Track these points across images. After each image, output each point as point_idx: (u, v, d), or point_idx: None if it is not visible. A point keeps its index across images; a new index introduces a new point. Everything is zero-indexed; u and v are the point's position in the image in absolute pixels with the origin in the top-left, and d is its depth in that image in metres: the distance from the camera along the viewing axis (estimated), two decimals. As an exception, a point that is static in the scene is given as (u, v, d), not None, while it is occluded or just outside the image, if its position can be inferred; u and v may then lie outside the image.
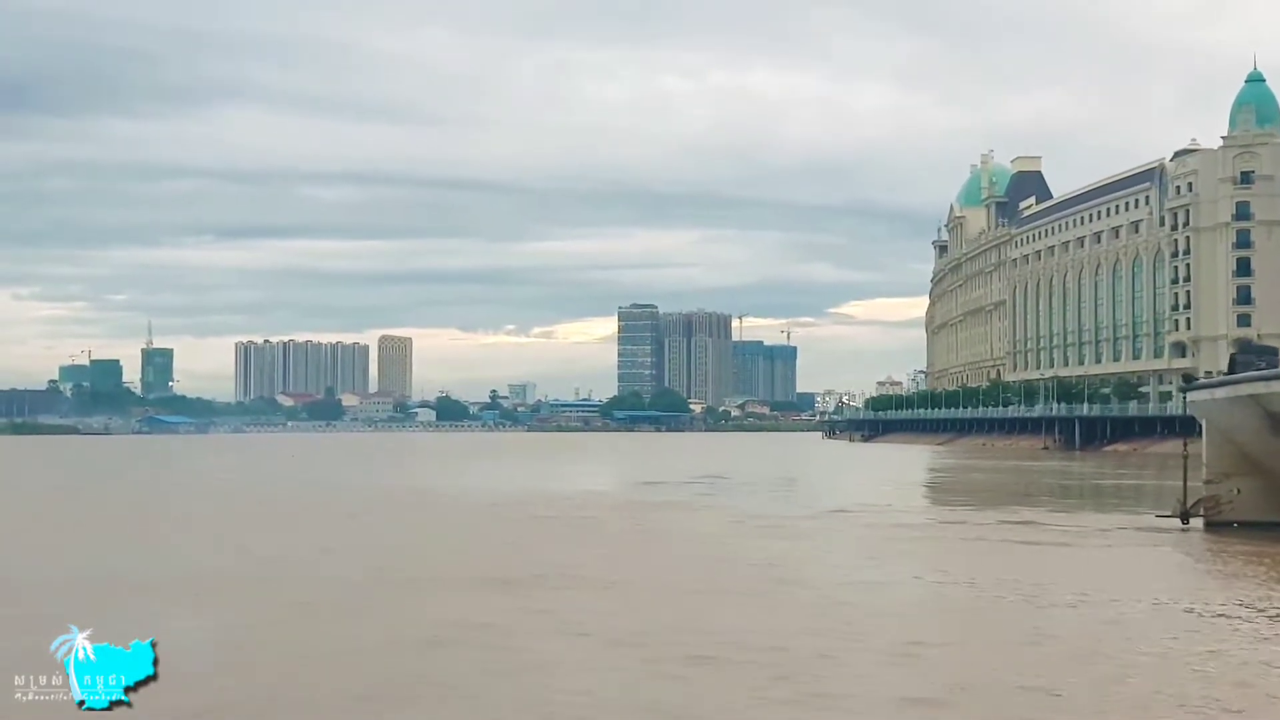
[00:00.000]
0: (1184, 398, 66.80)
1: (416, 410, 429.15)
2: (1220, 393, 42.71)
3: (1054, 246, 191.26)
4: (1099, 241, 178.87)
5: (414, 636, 21.76)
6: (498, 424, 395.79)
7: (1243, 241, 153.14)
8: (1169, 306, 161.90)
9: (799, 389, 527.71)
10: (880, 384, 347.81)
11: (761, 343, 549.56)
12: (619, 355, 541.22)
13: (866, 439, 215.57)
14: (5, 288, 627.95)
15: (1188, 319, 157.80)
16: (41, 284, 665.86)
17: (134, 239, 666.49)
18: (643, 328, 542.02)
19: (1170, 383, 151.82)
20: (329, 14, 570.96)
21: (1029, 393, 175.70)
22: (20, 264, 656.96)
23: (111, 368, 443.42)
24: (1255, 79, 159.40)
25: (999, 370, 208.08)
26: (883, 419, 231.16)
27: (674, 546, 37.70)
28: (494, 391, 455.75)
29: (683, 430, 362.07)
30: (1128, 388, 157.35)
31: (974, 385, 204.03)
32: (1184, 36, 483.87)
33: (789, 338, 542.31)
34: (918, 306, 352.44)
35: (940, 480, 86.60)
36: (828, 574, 30.84)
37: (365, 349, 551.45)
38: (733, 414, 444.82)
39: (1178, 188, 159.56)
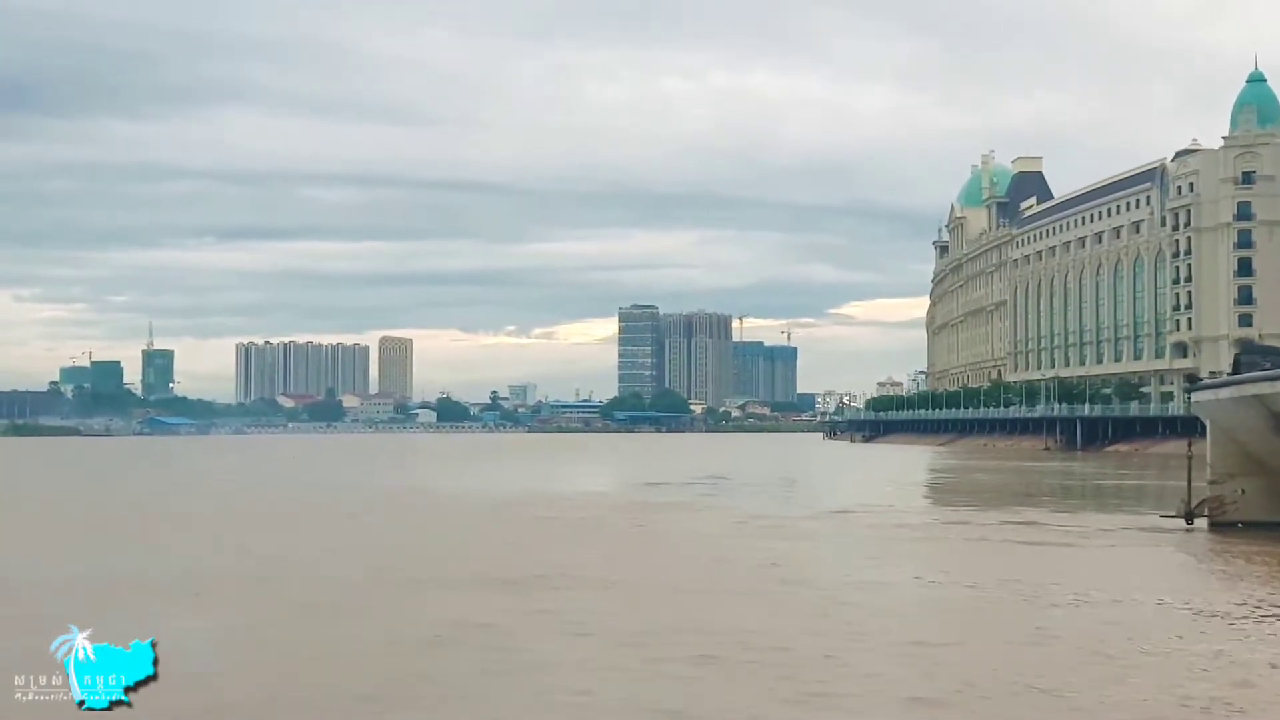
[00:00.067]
0: (1186, 398, 66.80)
1: (417, 411, 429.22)
2: (1225, 393, 42.66)
3: (1055, 247, 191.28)
4: (1100, 242, 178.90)
5: (415, 636, 21.72)
6: (498, 425, 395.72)
7: (1244, 242, 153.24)
8: (1170, 307, 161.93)
9: (799, 390, 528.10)
10: (881, 385, 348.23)
11: (762, 343, 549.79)
12: (619, 356, 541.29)
13: (867, 440, 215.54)
14: (6, 289, 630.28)
15: (1189, 319, 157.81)
16: (42, 285, 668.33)
17: (134, 240, 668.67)
18: (643, 329, 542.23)
19: (1171, 383, 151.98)
20: (329, 15, 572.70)
21: (1030, 393, 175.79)
22: (21, 265, 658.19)
23: (112, 369, 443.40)
24: (1256, 79, 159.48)
25: (1000, 371, 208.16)
26: (883, 420, 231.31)
27: (675, 547, 37.66)
28: (494, 393, 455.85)
29: (683, 431, 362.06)
30: (1129, 388, 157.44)
31: (975, 386, 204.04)
32: (1184, 37, 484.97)
33: (789, 338, 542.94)
34: (918, 307, 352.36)
35: (942, 481, 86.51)
36: (830, 574, 30.80)
37: (366, 350, 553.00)
38: (733, 415, 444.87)
39: (1179, 188, 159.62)
